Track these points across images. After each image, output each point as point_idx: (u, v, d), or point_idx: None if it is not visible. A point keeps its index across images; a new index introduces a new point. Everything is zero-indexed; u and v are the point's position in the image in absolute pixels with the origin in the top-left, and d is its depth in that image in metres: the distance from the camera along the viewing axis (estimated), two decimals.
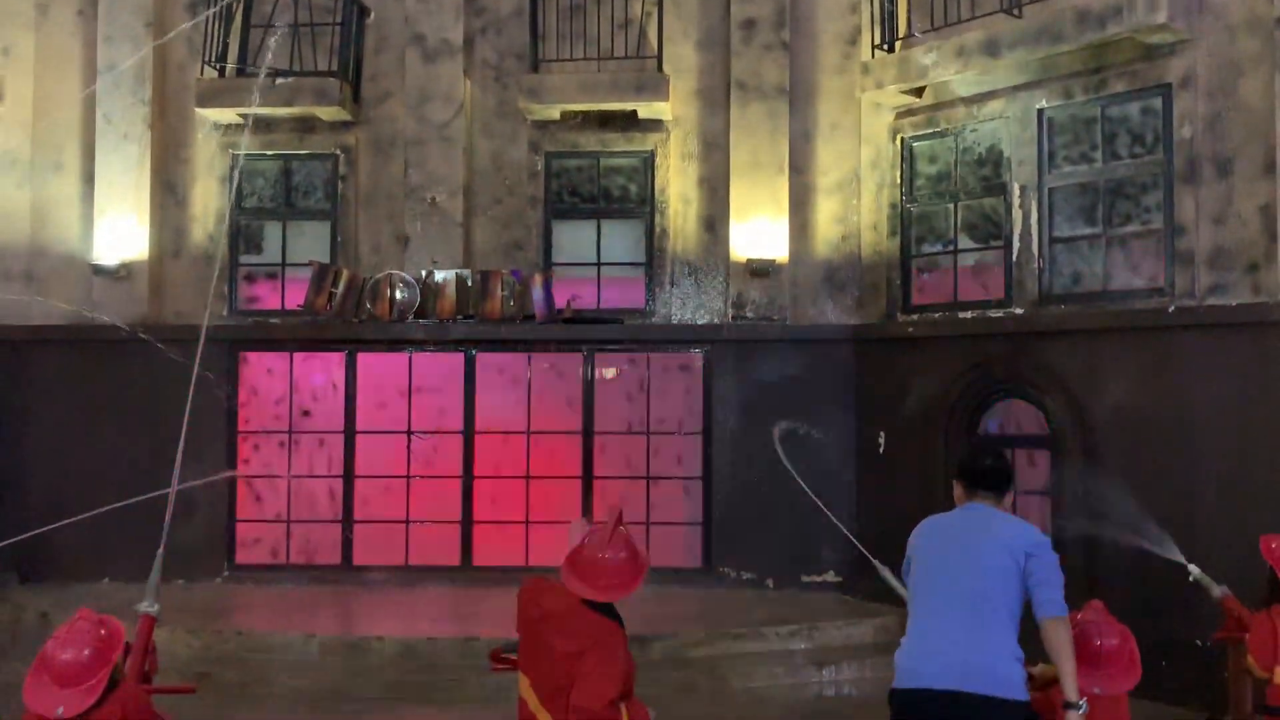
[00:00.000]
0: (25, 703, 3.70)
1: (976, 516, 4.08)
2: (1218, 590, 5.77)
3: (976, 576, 3.85)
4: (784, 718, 7.60)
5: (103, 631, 3.77)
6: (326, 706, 7.44)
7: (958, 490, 4.27)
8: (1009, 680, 3.74)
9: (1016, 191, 9.15)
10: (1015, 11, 8.84)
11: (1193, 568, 5.87)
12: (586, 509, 10.25)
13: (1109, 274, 8.65)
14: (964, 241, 9.67)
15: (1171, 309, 8.02)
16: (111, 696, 3.70)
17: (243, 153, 9.78)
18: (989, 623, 3.79)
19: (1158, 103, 8.36)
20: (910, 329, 9.79)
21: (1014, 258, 9.17)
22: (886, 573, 5.55)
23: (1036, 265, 9.01)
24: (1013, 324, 9.04)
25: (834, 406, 10.17)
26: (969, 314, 9.45)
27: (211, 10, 10.42)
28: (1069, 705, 3.72)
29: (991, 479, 4.18)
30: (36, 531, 5.81)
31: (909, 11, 9.77)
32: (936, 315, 9.73)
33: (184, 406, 9.87)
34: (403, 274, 10.24)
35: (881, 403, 9.98)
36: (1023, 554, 3.83)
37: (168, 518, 4.90)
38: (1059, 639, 3.74)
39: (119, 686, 3.77)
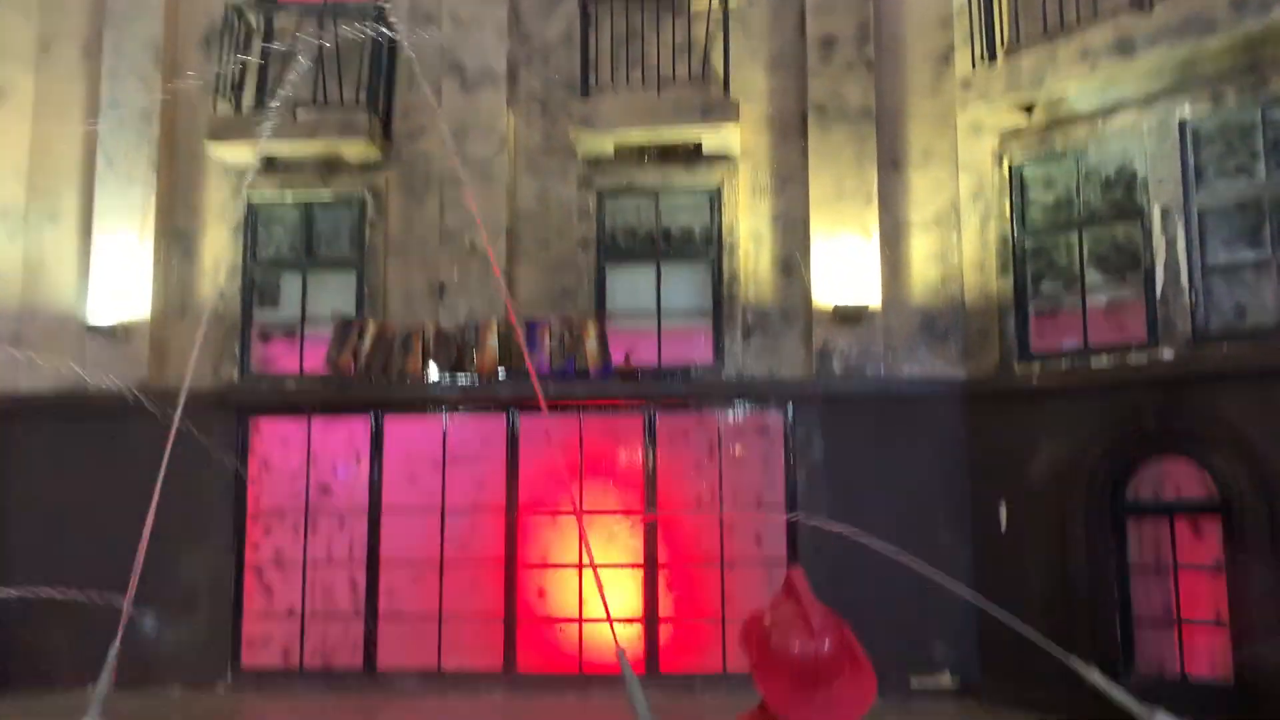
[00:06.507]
0: None
1: None
2: None
3: None
4: None
5: None
6: None
7: None
8: None
9: (1157, 215, 7.79)
10: (1145, 5, 7.61)
11: None
12: (651, 605, 8.71)
13: None
14: (1093, 277, 8.26)
15: None
16: None
17: (258, 195, 8.63)
18: None
19: None
20: (1035, 380, 8.31)
21: (1158, 292, 7.74)
22: (1095, 674, 3.97)
23: (1188, 299, 7.58)
24: (1164, 369, 7.56)
25: (943, 474, 8.66)
26: (1105, 360, 7.99)
27: (226, 38, 9.39)
28: None
29: None
30: None
31: (1015, 19, 8.56)
32: (1064, 363, 8.26)
33: (191, 483, 8.50)
34: (438, 326, 8.94)
35: (1000, 468, 8.45)
36: None
37: (125, 607, 3.57)
38: None
39: None
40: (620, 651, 3.23)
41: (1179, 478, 7.53)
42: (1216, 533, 7.24)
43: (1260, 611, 6.81)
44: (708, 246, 9.39)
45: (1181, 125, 7.72)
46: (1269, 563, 6.81)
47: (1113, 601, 7.68)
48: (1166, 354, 7.63)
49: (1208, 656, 7.27)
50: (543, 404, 3.52)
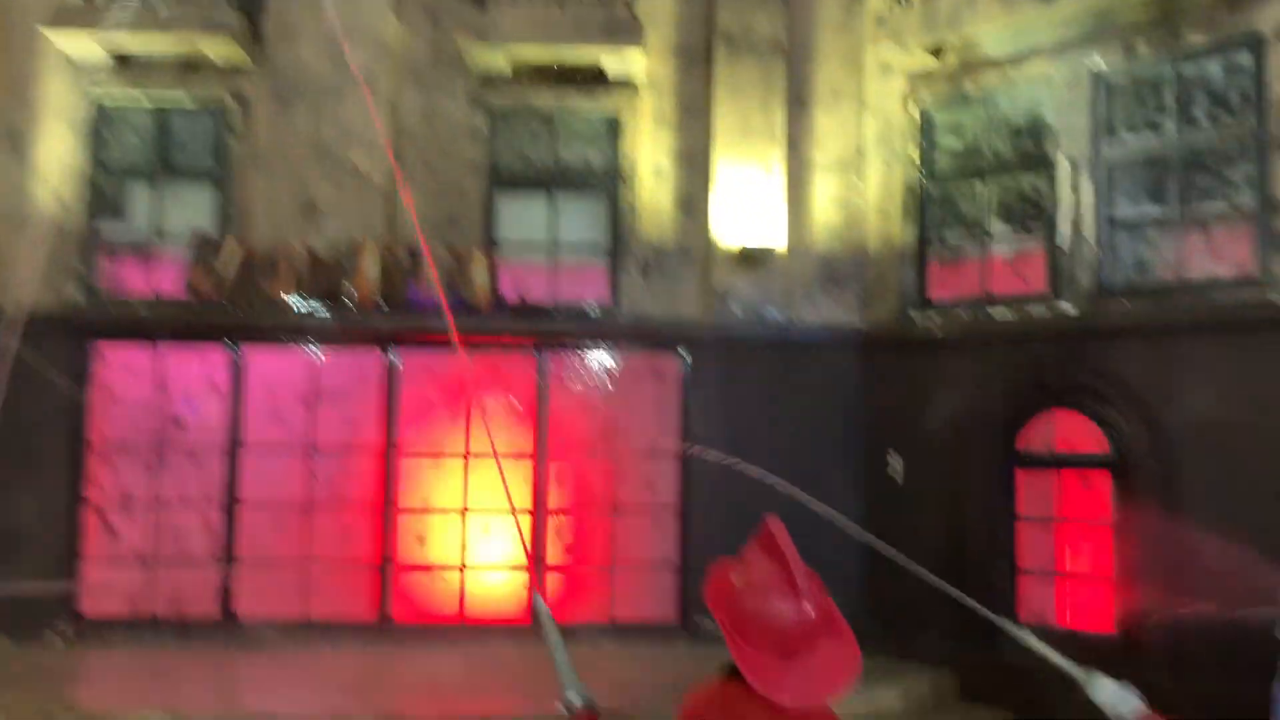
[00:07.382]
0: None
1: None
2: None
3: None
4: None
5: None
6: None
7: None
8: None
9: (1064, 166, 7.70)
10: None
11: None
12: (537, 551, 8.31)
13: (1184, 261, 7.22)
14: (997, 227, 8.15)
15: (1271, 300, 6.61)
16: None
17: (106, 95, 7.64)
18: None
19: (1245, 57, 7.00)
20: (933, 330, 8.19)
21: (1062, 244, 7.68)
22: (1029, 637, 3.77)
23: (1091, 253, 7.54)
24: (1065, 323, 7.53)
25: (838, 423, 8.50)
26: (1006, 312, 7.91)
27: None
28: None
29: None
30: None
31: None
32: (964, 314, 8.16)
33: (24, 413, 7.59)
34: (310, 249, 8.20)
35: (896, 418, 8.34)
36: None
37: None
38: None
39: None
40: (545, 608, 2.81)
41: (1072, 431, 7.54)
42: (1106, 487, 7.28)
43: (1146, 566, 6.88)
44: (606, 178, 8.88)
45: (1093, 76, 7.62)
46: (1157, 518, 6.88)
47: (1000, 551, 7.69)
48: (1067, 308, 7.59)
49: (1091, 610, 7.35)
50: (457, 339, 3.01)
